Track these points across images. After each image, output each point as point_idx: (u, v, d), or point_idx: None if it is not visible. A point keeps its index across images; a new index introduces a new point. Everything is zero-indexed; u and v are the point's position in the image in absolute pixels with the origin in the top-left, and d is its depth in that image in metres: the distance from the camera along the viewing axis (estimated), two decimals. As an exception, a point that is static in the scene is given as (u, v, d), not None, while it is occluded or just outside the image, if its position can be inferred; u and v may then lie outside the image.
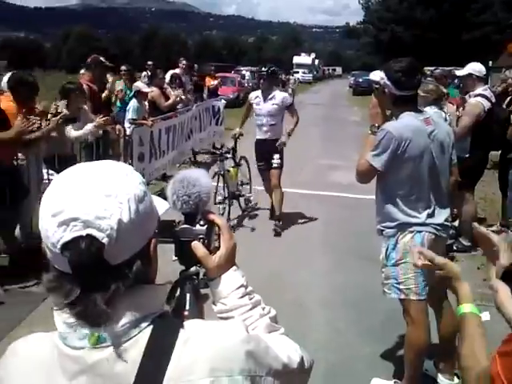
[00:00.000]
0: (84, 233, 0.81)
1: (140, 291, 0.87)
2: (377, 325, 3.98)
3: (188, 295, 1.26)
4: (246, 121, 6.74)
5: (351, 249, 5.55)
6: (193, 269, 1.20)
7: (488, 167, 6.43)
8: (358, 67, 62.64)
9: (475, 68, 5.60)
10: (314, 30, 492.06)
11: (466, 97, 5.82)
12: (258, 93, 6.22)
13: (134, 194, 0.86)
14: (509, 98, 6.55)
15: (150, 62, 13.53)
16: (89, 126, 5.61)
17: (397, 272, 2.83)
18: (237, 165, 6.69)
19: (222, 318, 1.07)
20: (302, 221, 6.59)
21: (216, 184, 6.14)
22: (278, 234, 6.00)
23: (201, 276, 1.35)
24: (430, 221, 2.81)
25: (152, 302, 0.89)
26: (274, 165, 6.13)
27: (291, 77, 31.71)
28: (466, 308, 1.40)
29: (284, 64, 58.31)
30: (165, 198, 1.13)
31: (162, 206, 1.03)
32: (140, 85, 7.92)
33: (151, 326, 0.86)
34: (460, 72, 5.82)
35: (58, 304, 0.85)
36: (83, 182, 0.85)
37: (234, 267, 1.10)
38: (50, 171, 5.58)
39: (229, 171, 6.43)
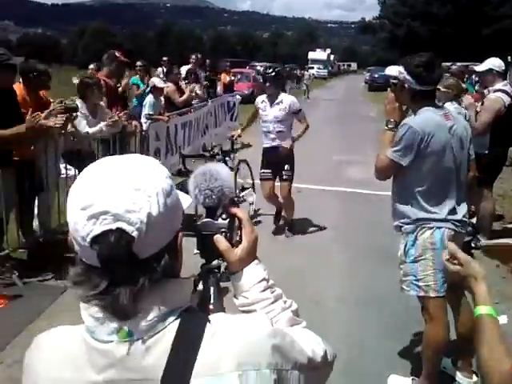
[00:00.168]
0: (114, 226, 0.81)
1: (167, 285, 0.88)
2: (394, 322, 3.96)
3: (212, 289, 1.26)
4: (250, 125, 6.47)
5: (368, 245, 5.52)
6: (215, 262, 1.20)
7: (507, 164, 6.35)
8: (373, 63, 62.10)
9: (495, 63, 5.52)
10: (329, 25, 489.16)
11: (485, 91, 5.74)
12: (264, 97, 5.74)
13: (161, 188, 0.86)
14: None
15: (165, 58, 13.58)
16: (104, 123, 5.65)
17: (416, 269, 2.80)
18: (231, 169, 6.23)
19: (243, 312, 1.07)
20: (318, 217, 6.56)
21: None
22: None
23: (222, 269, 1.35)
24: (449, 217, 2.78)
25: (178, 295, 0.90)
26: (284, 176, 5.72)
27: (306, 72, 31.56)
28: (483, 310, 1.36)
29: (299, 59, 58.15)
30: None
31: (185, 201, 1.02)
32: (156, 80, 7.96)
33: (178, 320, 0.86)
34: (479, 67, 5.74)
35: (84, 298, 0.85)
36: (112, 176, 0.85)
37: (256, 261, 1.10)
38: (68, 166, 5.65)
39: None
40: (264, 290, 1.07)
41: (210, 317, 0.90)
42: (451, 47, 34.16)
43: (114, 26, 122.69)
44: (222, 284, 1.30)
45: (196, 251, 1.18)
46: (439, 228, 2.77)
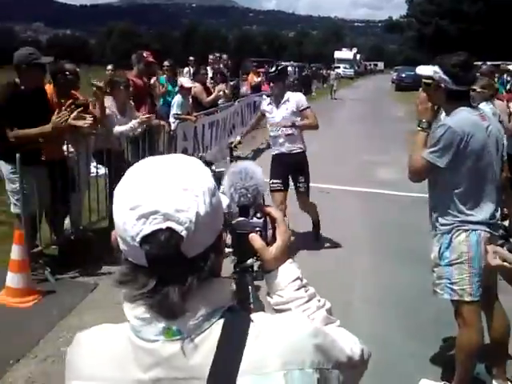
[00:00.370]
0: (164, 226, 0.81)
1: (211, 284, 0.88)
2: (425, 325, 3.90)
3: (250, 288, 1.26)
4: (252, 131, 6.17)
5: (397, 247, 5.46)
6: (250, 261, 1.20)
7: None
8: (400, 62, 61.37)
9: (529, 62, 5.39)
10: (355, 24, 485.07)
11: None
12: (271, 100, 5.34)
13: (207, 188, 0.87)
14: None
15: (191, 58, 13.69)
16: (133, 122, 5.72)
17: (451, 272, 2.75)
18: None
19: (278, 311, 1.08)
20: (346, 218, 6.51)
21: None
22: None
23: (255, 268, 1.35)
24: (485, 219, 2.73)
25: (221, 295, 0.90)
26: (301, 189, 5.32)
27: (332, 72, 31.36)
28: None
29: (325, 59, 57.86)
30: None
31: (223, 200, 1.03)
32: (184, 80, 8.01)
33: (222, 320, 0.87)
34: (513, 66, 5.61)
35: (131, 297, 0.86)
36: (160, 176, 0.85)
37: (290, 260, 1.11)
38: (98, 165, 5.74)
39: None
40: (298, 289, 1.07)
41: (252, 316, 0.91)
42: (481, 46, 33.50)
43: (141, 26, 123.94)
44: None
45: (228, 250, 1.19)
46: (475, 230, 2.72)
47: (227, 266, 1.19)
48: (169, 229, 0.81)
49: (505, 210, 5.40)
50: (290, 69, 28.24)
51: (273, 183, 5.21)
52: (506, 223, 5.50)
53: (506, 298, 3.12)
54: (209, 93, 9.04)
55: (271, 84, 5.35)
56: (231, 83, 11.65)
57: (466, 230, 2.73)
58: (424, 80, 2.92)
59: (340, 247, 5.57)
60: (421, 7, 46.04)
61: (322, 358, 0.88)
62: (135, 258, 0.85)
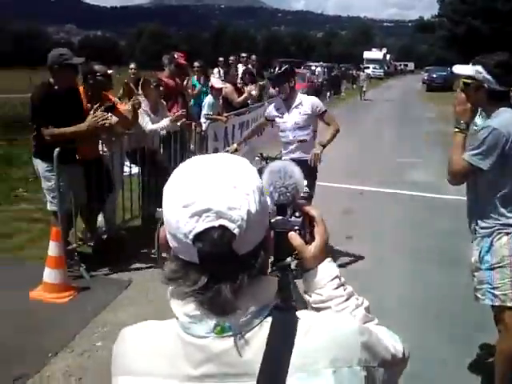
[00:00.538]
0: (217, 223, 0.82)
1: (260, 282, 0.89)
2: (461, 331, 3.82)
3: (292, 285, 1.26)
4: (252, 137, 5.84)
5: (431, 250, 5.37)
6: (288, 259, 1.20)
7: None
8: (431, 62, 60.41)
9: None
10: (385, 24, 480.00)
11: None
12: (280, 103, 4.91)
13: (256, 186, 0.88)
14: None
15: (221, 59, 13.74)
16: (165, 120, 5.80)
17: (492, 276, 2.69)
18: None
19: (316, 309, 1.08)
20: (379, 220, 6.45)
21: None
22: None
23: (292, 267, 1.35)
24: None
25: (268, 293, 0.91)
26: (304, 195, 5.13)
27: (362, 72, 31.07)
28: None
29: (354, 59, 57.39)
30: None
31: None
32: (214, 81, 8.06)
33: (270, 317, 0.88)
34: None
35: (180, 294, 0.87)
36: (211, 174, 0.86)
37: (329, 258, 1.11)
38: (132, 165, 5.84)
39: None
40: (337, 288, 1.08)
41: (298, 313, 0.92)
42: (515, 46, 32.68)
43: (171, 27, 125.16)
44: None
45: None
46: None
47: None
48: (221, 226, 0.82)
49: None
50: (319, 69, 28.16)
51: None
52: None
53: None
54: (239, 93, 9.07)
55: (276, 87, 4.91)
56: (260, 83, 11.61)
57: (508, 234, 2.66)
58: (463, 80, 2.86)
59: (373, 249, 5.51)
60: (452, 6, 45.15)
61: (369, 355, 0.89)
62: (186, 255, 0.85)
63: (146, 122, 5.70)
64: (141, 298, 4.37)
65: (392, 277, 4.84)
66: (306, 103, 4.76)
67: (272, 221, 1.14)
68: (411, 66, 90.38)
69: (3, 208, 6.57)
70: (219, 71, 13.13)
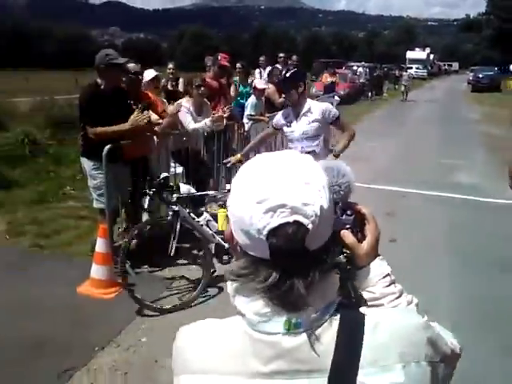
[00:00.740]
0: (291, 219, 0.82)
1: (328, 278, 0.89)
2: (508, 336, 3.71)
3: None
4: (257, 148, 5.32)
5: (478, 254, 5.22)
6: (340, 257, 1.20)
7: None
8: (476, 62, 58.81)
9: None
10: (428, 23, 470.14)
11: None
12: (288, 111, 4.54)
13: (325, 182, 0.88)
14: None
15: (262, 58, 13.77)
16: (206, 121, 5.85)
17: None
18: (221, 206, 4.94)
19: (369, 306, 1.07)
20: (423, 223, 6.31)
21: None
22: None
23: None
24: None
25: (334, 289, 0.91)
26: None
27: (404, 73, 30.54)
28: None
29: (397, 59, 56.52)
30: None
31: None
32: (257, 81, 8.09)
33: (338, 313, 0.88)
34: None
35: (249, 290, 0.87)
36: (283, 170, 0.86)
37: (381, 256, 1.11)
38: (176, 164, 5.93)
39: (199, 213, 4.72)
40: (389, 285, 1.08)
41: (362, 310, 0.92)
42: None
43: (212, 29, 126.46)
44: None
45: None
46: None
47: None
48: (296, 222, 0.82)
49: None
50: (360, 70, 27.84)
51: None
52: None
53: None
54: (281, 93, 9.05)
55: (286, 93, 4.54)
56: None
57: None
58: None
59: (417, 253, 5.40)
60: (502, 3, 43.83)
61: (432, 351, 0.89)
62: (257, 251, 0.86)
63: (188, 122, 5.78)
64: (183, 293, 4.44)
65: (436, 279, 4.73)
66: (315, 110, 4.35)
67: None
68: (455, 65, 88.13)
69: (52, 205, 6.78)
70: (260, 72, 13.18)
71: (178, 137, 5.65)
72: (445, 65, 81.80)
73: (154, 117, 5.12)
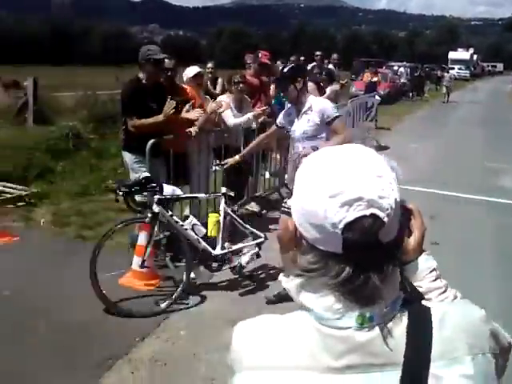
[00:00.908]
0: (368, 212, 0.82)
1: (396, 272, 0.89)
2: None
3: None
4: (258, 148, 4.92)
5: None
6: None
7: None
8: (522, 63, 56.93)
9: None
10: (472, 22, 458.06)
11: None
12: (291, 108, 4.31)
13: (394, 175, 0.88)
14: None
15: (301, 58, 13.72)
16: (248, 115, 5.88)
17: None
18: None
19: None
20: (465, 227, 6.16)
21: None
22: None
23: None
24: None
25: (398, 283, 0.91)
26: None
27: (446, 73, 29.86)
28: None
29: (438, 59, 55.39)
30: None
31: None
32: (299, 79, 8.04)
33: (404, 307, 0.88)
34: None
35: (320, 285, 0.86)
36: (355, 163, 0.86)
37: (427, 251, 1.10)
38: (217, 160, 5.97)
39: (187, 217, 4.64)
40: (435, 280, 1.07)
41: (425, 303, 0.92)
42: None
43: (251, 27, 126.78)
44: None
45: None
46: None
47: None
48: (372, 215, 0.82)
49: None
50: (401, 69, 27.39)
51: (283, 205, 4.18)
52: None
53: None
54: (321, 92, 8.99)
55: (285, 91, 4.26)
56: (342, 82, 11.47)
57: None
58: None
59: (460, 255, 5.28)
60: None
61: (494, 343, 0.90)
62: (328, 245, 0.85)
63: (228, 117, 5.82)
64: (222, 289, 4.48)
65: (479, 283, 4.61)
66: (315, 109, 4.06)
67: None
68: (500, 66, 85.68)
69: (95, 198, 6.95)
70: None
71: (219, 133, 5.69)
72: (488, 66, 79.63)
73: (192, 114, 5.13)
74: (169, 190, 4.32)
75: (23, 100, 11.17)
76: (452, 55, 59.16)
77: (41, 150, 8.20)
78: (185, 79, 5.74)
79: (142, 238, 4.47)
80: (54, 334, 3.71)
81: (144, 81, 4.84)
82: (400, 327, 0.85)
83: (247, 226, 4.69)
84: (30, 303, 3.98)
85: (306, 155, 3.72)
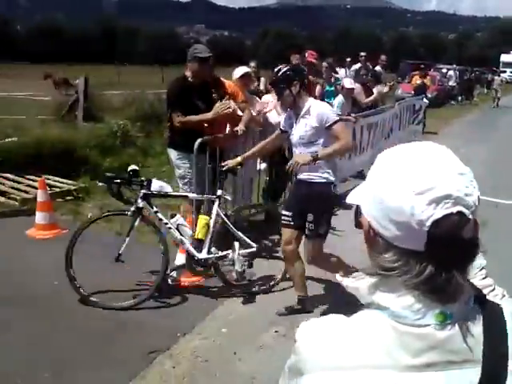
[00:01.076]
0: (455, 210, 0.82)
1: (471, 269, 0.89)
2: None
3: None
4: (261, 152, 4.63)
5: None
6: None
7: None
8: None
9: None
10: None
11: None
12: (291, 113, 4.06)
13: (472, 173, 0.88)
14: None
15: (348, 59, 13.60)
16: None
17: None
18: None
19: None
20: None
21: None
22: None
23: None
24: None
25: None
26: (307, 231, 3.91)
27: (496, 77, 28.88)
28: None
29: (489, 62, 53.75)
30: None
31: None
32: (346, 81, 7.98)
33: (476, 304, 0.88)
34: None
35: (397, 285, 0.85)
36: (436, 160, 0.85)
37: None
38: (261, 160, 6.00)
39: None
40: (485, 277, 1.12)
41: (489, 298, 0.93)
42: None
43: (296, 27, 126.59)
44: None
45: None
46: None
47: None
48: (459, 213, 0.82)
49: None
50: (451, 72, 26.67)
51: (282, 215, 4.06)
52: None
53: None
54: (368, 93, 8.89)
55: (279, 96, 4.03)
56: (390, 84, 11.30)
57: None
58: None
59: (509, 264, 5.09)
60: None
61: None
62: (409, 243, 0.84)
63: (274, 117, 5.83)
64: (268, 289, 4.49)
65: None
66: (313, 113, 3.82)
67: None
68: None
69: (140, 194, 7.07)
70: (345, 71, 13.02)
71: (263, 132, 5.70)
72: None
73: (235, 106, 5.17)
74: (156, 185, 4.23)
75: (74, 98, 11.51)
76: (504, 58, 57.10)
77: (89, 146, 8.44)
78: (233, 79, 5.77)
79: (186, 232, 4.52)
80: (103, 322, 3.85)
81: (190, 79, 4.93)
82: (477, 324, 0.86)
83: (240, 234, 4.46)
84: (75, 295, 4.09)
85: (305, 164, 3.72)
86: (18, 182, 6.97)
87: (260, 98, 6.40)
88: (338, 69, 12.05)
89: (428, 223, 0.81)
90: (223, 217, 4.36)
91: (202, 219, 4.35)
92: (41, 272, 4.55)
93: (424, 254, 0.83)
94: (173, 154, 5.06)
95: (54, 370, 3.28)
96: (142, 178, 4.20)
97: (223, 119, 5.09)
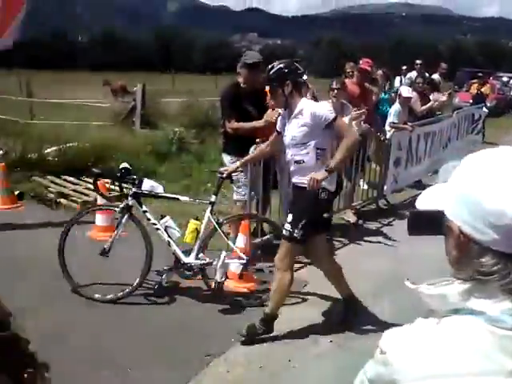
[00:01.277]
0: None
1: None
2: None
3: None
4: (263, 156, 4.60)
5: None
6: None
7: None
8: None
9: None
10: None
11: None
12: (286, 113, 3.91)
13: None
14: None
15: (404, 67, 13.34)
16: (346, 118, 5.83)
17: None
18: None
19: None
20: None
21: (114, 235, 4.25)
22: None
23: None
24: None
25: None
26: (283, 231, 3.76)
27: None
28: None
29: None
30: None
31: None
32: (404, 90, 7.85)
33: None
34: None
35: (495, 289, 0.85)
36: None
37: None
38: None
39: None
40: None
41: None
42: None
43: (350, 36, 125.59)
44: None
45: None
46: None
47: None
48: None
49: None
50: (504, 79, 25.67)
51: (285, 230, 3.82)
52: None
53: None
54: (424, 102, 8.70)
55: (272, 94, 3.89)
56: (448, 92, 11.00)
57: None
58: None
59: None
60: None
61: None
62: (507, 247, 0.84)
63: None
64: (317, 297, 4.45)
65: None
66: (306, 112, 3.66)
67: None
68: None
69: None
70: (401, 79, 12.79)
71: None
72: None
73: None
74: (147, 185, 4.24)
75: (132, 105, 11.87)
76: None
77: (146, 152, 8.67)
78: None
79: (242, 241, 4.56)
80: (161, 325, 3.95)
81: (242, 85, 5.04)
82: None
83: (230, 243, 4.43)
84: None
85: (297, 162, 3.71)
86: (79, 185, 7.23)
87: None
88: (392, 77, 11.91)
89: None
90: (215, 223, 4.27)
91: (192, 224, 4.31)
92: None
93: None
94: (226, 158, 5.19)
95: (113, 368, 3.37)
96: (134, 177, 4.26)
97: (275, 126, 5.12)
